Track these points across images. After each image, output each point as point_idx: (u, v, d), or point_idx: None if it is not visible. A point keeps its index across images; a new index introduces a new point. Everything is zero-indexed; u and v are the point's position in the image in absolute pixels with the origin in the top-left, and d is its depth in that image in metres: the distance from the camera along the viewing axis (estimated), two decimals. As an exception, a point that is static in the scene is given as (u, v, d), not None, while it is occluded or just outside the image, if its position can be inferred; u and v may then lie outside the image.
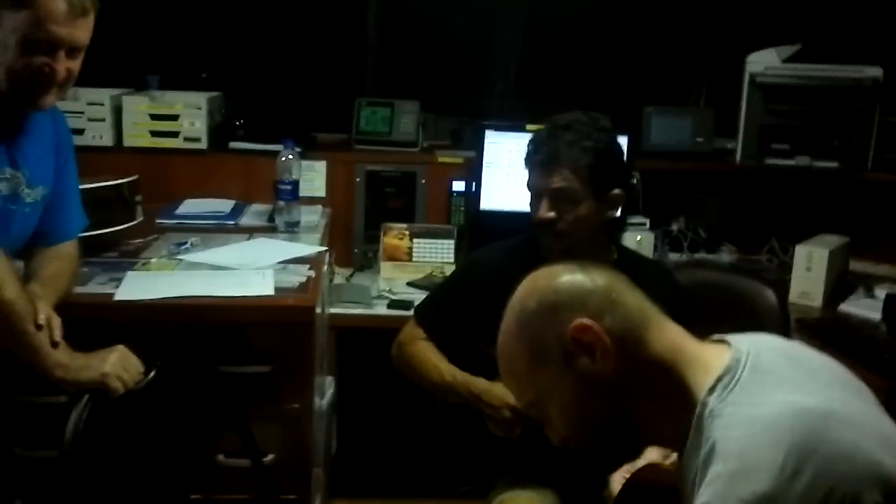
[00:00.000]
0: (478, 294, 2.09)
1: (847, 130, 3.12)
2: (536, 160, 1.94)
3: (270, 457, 2.01)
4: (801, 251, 2.91)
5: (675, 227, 3.27)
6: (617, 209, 1.99)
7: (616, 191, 1.96)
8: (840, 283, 2.94)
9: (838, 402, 1.07)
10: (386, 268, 2.91)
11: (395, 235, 2.93)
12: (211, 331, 1.95)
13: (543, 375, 1.19)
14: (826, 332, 2.60)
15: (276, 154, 2.72)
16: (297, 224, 2.64)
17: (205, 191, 2.92)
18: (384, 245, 2.92)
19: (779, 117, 3.11)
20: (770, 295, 2.40)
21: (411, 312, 2.57)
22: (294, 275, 2.17)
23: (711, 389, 1.09)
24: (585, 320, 1.15)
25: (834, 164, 3.12)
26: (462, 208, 3.05)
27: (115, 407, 1.65)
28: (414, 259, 2.92)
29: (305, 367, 2.01)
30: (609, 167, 1.94)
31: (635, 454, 1.25)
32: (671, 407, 1.14)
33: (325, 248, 2.45)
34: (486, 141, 2.90)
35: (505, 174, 2.92)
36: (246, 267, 2.20)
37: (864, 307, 2.82)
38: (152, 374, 1.72)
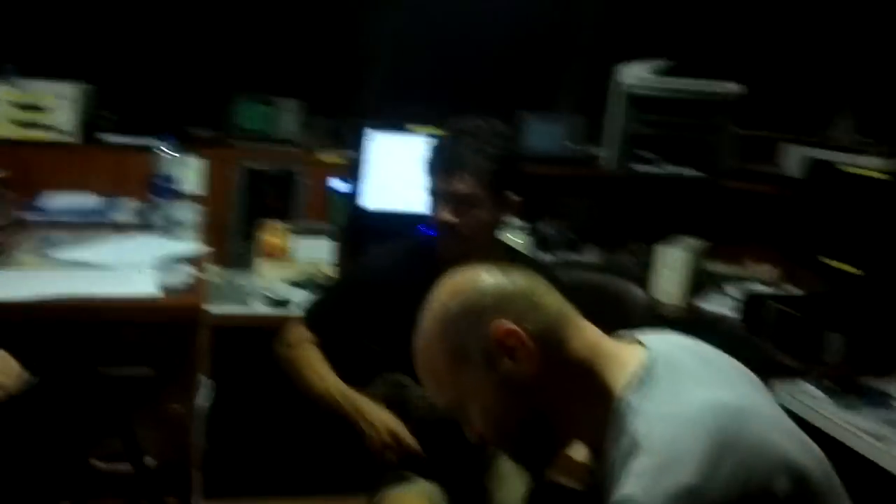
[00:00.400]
0: (370, 296, 2.11)
1: (709, 142, 3.32)
2: (439, 164, 1.97)
3: (151, 460, 1.97)
4: (662, 252, 3.08)
5: (543, 228, 3.38)
6: (513, 213, 2.06)
7: (513, 196, 2.03)
8: (697, 282, 3.13)
9: (746, 398, 1.15)
10: (263, 265, 2.88)
11: (272, 233, 2.90)
12: (90, 332, 1.89)
13: (464, 377, 1.20)
14: (685, 327, 2.76)
15: (148, 149, 2.65)
16: (173, 221, 2.58)
17: (70, 185, 2.80)
18: (262, 243, 2.89)
19: (647, 126, 3.28)
20: (639, 293, 2.53)
21: (291, 311, 2.60)
22: (177, 274, 2.12)
23: (630, 386, 1.14)
24: (508, 323, 1.16)
25: (696, 173, 3.31)
26: (342, 207, 3.05)
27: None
28: (292, 257, 2.91)
29: (189, 368, 1.98)
30: (509, 173, 2.00)
31: (554, 452, 1.28)
32: (590, 404, 1.17)
33: (207, 248, 2.41)
34: (368, 141, 2.92)
35: (386, 174, 2.95)
36: (125, 265, 2.14)
37: (717, 304, 3.03)
38: (35, 379, 1.66)
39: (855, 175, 2.70)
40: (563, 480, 1.49)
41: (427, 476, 2.10)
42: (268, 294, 2.68)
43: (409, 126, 2.95)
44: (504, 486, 2.14)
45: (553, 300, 1.22)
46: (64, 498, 1.93)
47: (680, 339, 1.26)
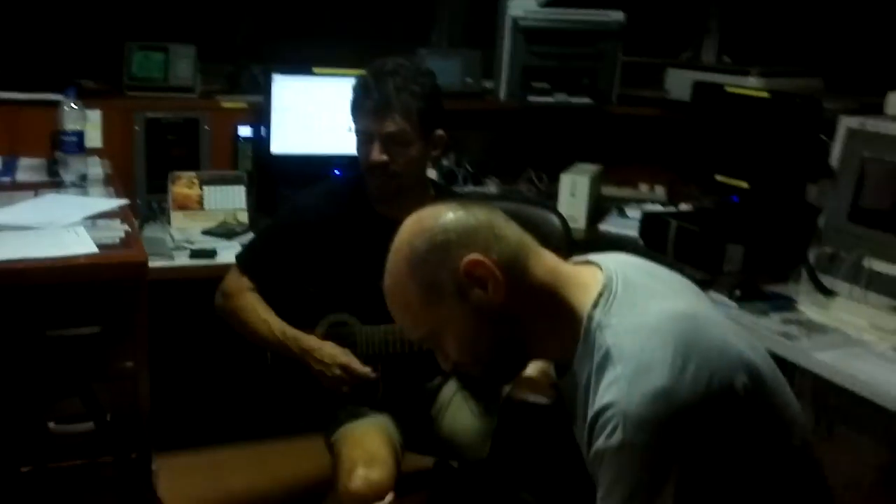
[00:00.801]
0: (303, 238, 2.14)
1: (595, 70, 3.45)
2: (368, 105, 2.00)
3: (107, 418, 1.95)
4: (565, 179, 3.22)
5: (445, 162, 3.45)
6: (440, 149, 2.12)
7: (439, 131, 2.09)
8: (596, 207, 3.30)
9: (696, 306, 1.28)
10: (177, 217, 2.83)
11: (184, 184, 2.86)
12: (32, 295, 1.84)
13: (438, 310, 1.26)
14: (595, 249, 2.92)
15: (41, 104, 2.56)
16: (84, 177, 2.50)
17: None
18: (173, 194, 2.84)
19: (538, 58, 3.37)
20: (555, 219, 2.64)
21: (215, 261, 2.59)
22: (108, 230, 2.08)
23: (595, 305, 1.24)
24: (476, 255, 1.23)
25: (587, 101, 3.45)
26: (249, 154, 3.02)
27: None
28: (205, 207, 2.87)
29: (139, 324, 1.96)
30: (435, 110, 2.06)
31: (521, 370, 1.39)
32: (557, 325, 1.27)
33: (125, 201, 2.36)
34: (275, 85, 2.89)
35: (294, 118, 2.94)
36: (50, 225, 2.07)
37: (619, 226, 3.20)
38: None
39: (738, 95, 2.89)
40: (530, 397, 1.60)
41: (378, 408, 2.18)
42: (188, 246, 2.64)
43: (314, 69, 2.94)
44: (448, 415, 2.25)
45: (512, 231, 1.29)
46: (23, 464, 1.89)
47: (627, 258, 1.37)
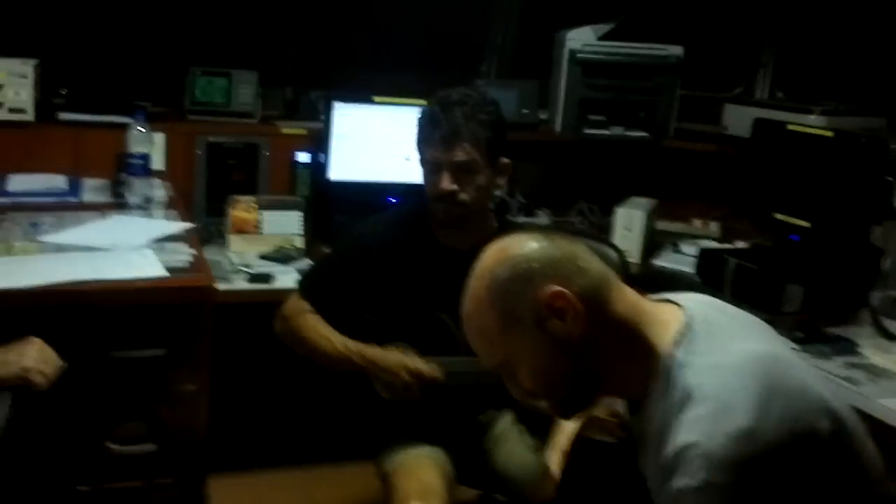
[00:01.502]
0: (365, 266, 2.15)
1: (653, 103, 3.44)
2: (436, 135, 2.02)
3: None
4: (621, 212, 3.20)
5: (497, 192, 3.45)
6: (506, 177, 2.13)
7: (505, 160, 2.10)
8: (651, 241, 3.27)
9: (776, 347, 1.27)
10: (234, 241, 2.86)
11: (242, 208, 2.88)
12: (99, 316, 1.87)
13: (515, 339, 1.26)
14: (651, 284, 2.89)
15: (106, 126, 2.61)
16: (149, 200, 2.54)
17: (29, 167, 2.71)
18: (231, 218, 2.87)
19: (594, 90, 3.37)
20: (613, 253, 2.63)
21: (272, 285, 2.61)
22: (175, 254, 2.11)
23: (676, 343, 1.23)
24: (557, 287, 1.23)
25: (643, 134, 3.44)
26: (307, 180, 3.05)
27: (40, 403, 1.55)
28: (262, 231, 2.90)
29: (202, 347, 1.98)
30: (501, 138, 2.07)
31: (592, 404, 1.37)
32: (634, 361, 1.26)
33: (190, 224, 2.39)
34: (335, 112, 2.92)
35: (352, 145, 2.96)
36: (118, 247, 2.11)
37: (674, 261, 3.17)
38: (66, 365, 1.64)
39: (801, 133, 2.86)
40: (598, 436, 1.59)
41: (431, 441, 2.17)
42: (246, 269, 2.67)
43: (374, 97, 2.97)
44: (502, 448, 2.23)
45: (595, 263, 1.29)
46: (81, 483, 1.90)
47: (705, 297, 1.36)
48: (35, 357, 1.56)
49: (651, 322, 1.27)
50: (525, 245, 1.28)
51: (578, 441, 1.58)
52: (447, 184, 2.02)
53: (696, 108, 3.65)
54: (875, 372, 2.21)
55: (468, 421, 2.25)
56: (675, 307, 1.30)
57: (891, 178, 2.58)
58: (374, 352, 2.08)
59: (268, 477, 2.96)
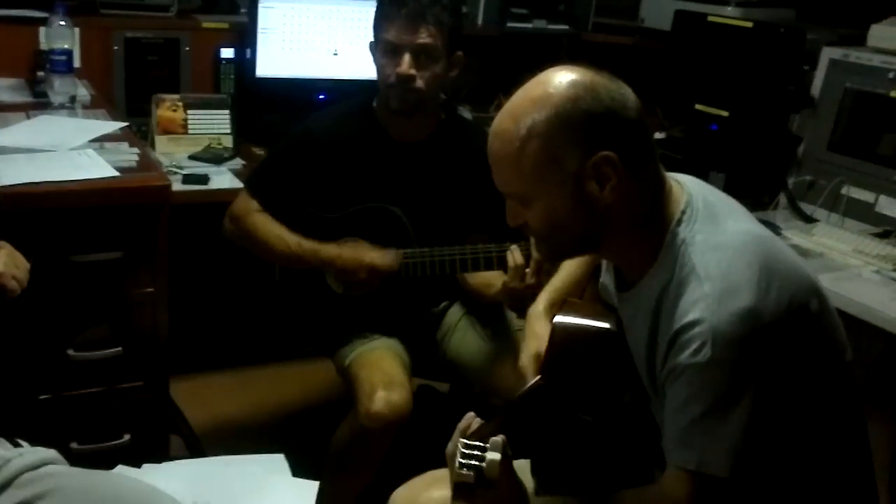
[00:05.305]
0: (314, 161, 2.12)
1: (573, -4, 3.45)
2: (402, 14, 1.96)
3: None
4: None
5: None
6: (457, 71, 2.11)
7: (459, 52, 2.08)
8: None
9: (761, 228, 1.34)
10: (161, 142, 2.75)
11: (167, 107, 2.77)
12: (57, 220, 1.80)
13: (545, 180, 1.24)
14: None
15: (16, 20, 2.45)
16: (74, 99, 2.42)
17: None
18: (157, 118, 2.76)
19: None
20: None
21: (208, 186, 2.54)
22: (119, 153, 2.04)
23: (679, 221, 1.27)
24: (611, 153, 1.21)
25: (564, 27, 3.45)
26: (232, 76, 2.95)
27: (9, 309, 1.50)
28: (190, 131, 2.80)
29: (160, 249, 1.94)
30: (460, 28, 2.05)
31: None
32: (644, 233, 1.29)
33: (125, 123, 2.30)
34: (259, 5, 2.81)
35: (280, 40, 2.87)
36: (57, 148, 2.01)
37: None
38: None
39: (721, 24, 2.94)
40: (583, 321, 1.57)
41: (387, 333, 2.21)
42: (178, 170, 2.58)
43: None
44: (454, 339, 2.29)
45: (648, 138, 1.28)
46: (43, 392, 1.86)
47: (695, 178, 1.39)
48: (5, 261, 1.49)
49: (667, 199, 1.29)
50: (600, 91, 1.24)
51: (559, 333, 1.55)
52: (406, 67, 1.98)
53: (612, 1, 3.68)
54: (799, 252, 2.36)
55: (421, 313, 2.30)
56: (678, 185, 1.33)
57: (807, 67, 2.71)
58: (328, 251, 2.08)
59: (227, 377, 2.97)
